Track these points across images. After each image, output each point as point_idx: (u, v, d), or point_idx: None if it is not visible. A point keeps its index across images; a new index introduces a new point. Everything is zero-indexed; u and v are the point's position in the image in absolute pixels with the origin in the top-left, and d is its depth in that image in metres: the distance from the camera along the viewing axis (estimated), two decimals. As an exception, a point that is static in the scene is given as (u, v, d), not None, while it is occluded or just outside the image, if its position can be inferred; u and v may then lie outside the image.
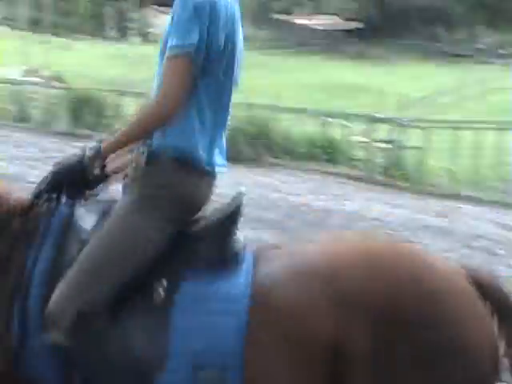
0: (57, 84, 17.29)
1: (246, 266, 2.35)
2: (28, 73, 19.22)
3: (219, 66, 2.35)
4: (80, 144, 2.71)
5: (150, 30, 33.17)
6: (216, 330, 2.22)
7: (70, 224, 2.36)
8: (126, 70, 21.20)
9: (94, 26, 34.31)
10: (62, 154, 2.64)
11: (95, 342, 2.16)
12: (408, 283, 2.24)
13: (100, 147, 2.34)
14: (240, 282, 2.29)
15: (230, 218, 2.41)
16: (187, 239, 2.34)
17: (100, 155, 2.31)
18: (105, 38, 32.02)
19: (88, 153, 2.32)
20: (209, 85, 2.33)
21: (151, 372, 2.20)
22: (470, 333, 2.20)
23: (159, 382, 2.22)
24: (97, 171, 2.29)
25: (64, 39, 29.75)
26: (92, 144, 2.36)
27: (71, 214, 2.39)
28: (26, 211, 2.40)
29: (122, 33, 33.42)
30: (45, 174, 2.37)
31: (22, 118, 14.72)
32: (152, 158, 2.32)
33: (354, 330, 2.15)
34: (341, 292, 2.22)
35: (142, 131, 2.31)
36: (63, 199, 2.36)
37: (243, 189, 2.49)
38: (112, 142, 2.34)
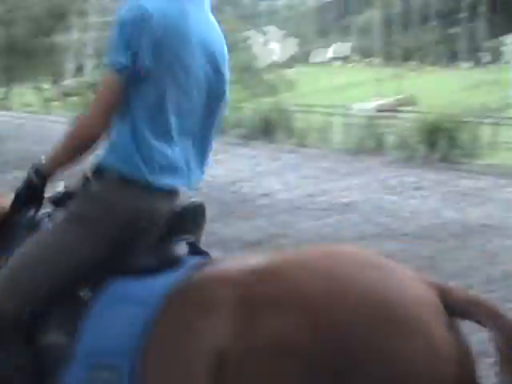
0: (410, 113, 17.71)
1: (180, 271, 2.27)
2: (382, 105, 20.00)
3: (160, 78, 2.23)
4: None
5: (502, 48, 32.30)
6: (116, 331, 2.19)
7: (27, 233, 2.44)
8: (479, 95, 20.86)
9: (444, 51, 34.46)
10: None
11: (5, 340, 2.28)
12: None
13: (40, 167, 2.36)
14: (160, 283, 2.22)
15: (170, 225, 2.35)
16: (123, 247, 2.30)
17: (41, 174, 2.35)
18: (456, 62, 31.89)
19: (31, 174, 2.36)
20: (148, 97, 2.24)
21: (55, 370, 2.25)
22: (395, 345, 1.92)
23: (62, 380, 2.25)
24: (42, 190, 2.37)
25: (414, 67, 30.29)
26: (34, 165, 2.39)
27: (30, 225, 2.47)
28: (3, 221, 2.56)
29: (474, 57, 33.01)
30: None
31: (376, 148, 15.31)
32: (96, 173, 2.29)
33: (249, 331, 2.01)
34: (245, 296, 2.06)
35: (73, 145, 2.30)
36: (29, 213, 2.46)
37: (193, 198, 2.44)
38: (51, 158, 2.37)
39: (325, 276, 2.03)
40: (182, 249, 2.34)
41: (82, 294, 2.29)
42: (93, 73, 44.92)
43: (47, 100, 38.18)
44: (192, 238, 2.41)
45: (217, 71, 2.37)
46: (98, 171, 2.27)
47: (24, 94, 42.49)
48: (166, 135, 2.26)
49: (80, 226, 2.25)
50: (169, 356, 2.12)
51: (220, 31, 2.41)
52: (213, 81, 2.36)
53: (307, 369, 1.93)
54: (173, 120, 2.26)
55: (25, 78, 52.92)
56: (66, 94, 36.86)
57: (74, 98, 36.63)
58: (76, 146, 2.29)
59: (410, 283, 2.04)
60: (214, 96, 2.38)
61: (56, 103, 36.79)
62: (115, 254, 2.28)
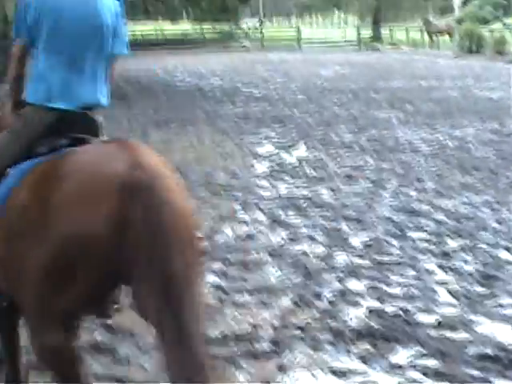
0: None
1: (49, 156, 3.08)
2: None
3: (40, 34, 3.24)
4: None
5: None
6: (1, 191, 3.05)
7: None
8: None
9: None
10: None
11: None
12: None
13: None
14: (31, 163, 3.06)
15: (59, 128, 3.24)
16: (30, 143, 3.23)
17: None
18: None
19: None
20: (37, 52, 3.29)
21: None
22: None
23: None
24: None
25: None
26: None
27: None
28: None
29: None
30: None
31: None
32: (22, 103, 3.34)
33: None
34: None
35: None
36: None
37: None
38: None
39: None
40: (63, 142, 3.20)
41: (8, 170, 3.14)
42: (461, 10, 45.09)
43: (416, 40, 39.44)
44: (88, 137, 3.23)
45: (90, 26, 3.28)
46: (23, 102, 3.35)
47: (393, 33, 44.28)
48: (64, 65, 3.26)
49: (10, 132, 3.32)
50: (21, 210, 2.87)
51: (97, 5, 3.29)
52: (86, 31, 3.27)
53: None
54: (49, 61, 3.27)
55: (393, 18, 54.85)
56: (433, 33, 37.67)
57: (445, 37, 37.47)
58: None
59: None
60: (90, 41, 3.31)
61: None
62: (25, 147, 3.25)
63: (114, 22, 3.37)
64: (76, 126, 3.26)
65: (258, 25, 64.52)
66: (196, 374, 2.48)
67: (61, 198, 2.70)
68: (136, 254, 2.56)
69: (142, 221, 2.56)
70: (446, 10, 50.14)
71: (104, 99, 3.39)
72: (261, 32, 51.01)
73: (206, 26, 56.57)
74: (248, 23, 64.73)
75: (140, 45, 43.19)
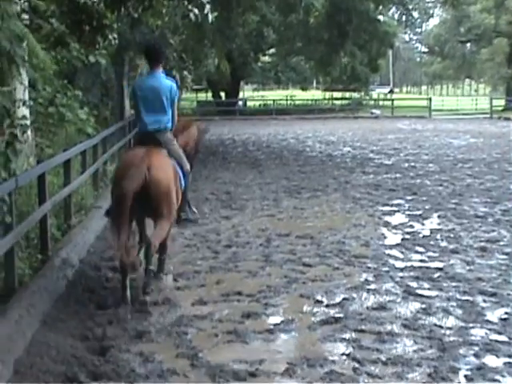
0: None
1: None
2: None
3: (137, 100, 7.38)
4: None
5: None
6: None
7: None
8: None
9: None
10: None
11: None
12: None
13: None
14: None
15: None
16: None
17: None
18: None
19: None
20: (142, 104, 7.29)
21: None
22: None
23: None
24: None
25: None
26: None
27: None
28: None
29: None
30: None
31: None
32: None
33: None
34: None
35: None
36: None
37: None
38: None
39: None
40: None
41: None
42: None
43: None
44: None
45: (159, 94, 7.22)
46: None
47: None
48: (152, 112, 7.25)
49: None
50: None
51: (164, 84, 7.26)
52: (149, 95, 7.20)
53: None
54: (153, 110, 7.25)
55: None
56: None
57: None
58: None
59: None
60: (163, 99, 7.25)
61: None
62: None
63: (167, 91, 7.24)
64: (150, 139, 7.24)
65: (388, 93, 64.84)
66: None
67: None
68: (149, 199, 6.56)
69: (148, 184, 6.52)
70: None
71: (169, 125, 7.32)
72: (391, 100, 51.20)
73: (336, 94, 57.45)
74: (378, 92, 65.16)
75: (271, 111, 44.45)
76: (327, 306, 6.55)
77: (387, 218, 10.73)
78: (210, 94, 53.95)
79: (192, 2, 9.56)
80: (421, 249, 8.72)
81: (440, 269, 7.75)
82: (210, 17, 9.99)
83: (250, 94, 66.30)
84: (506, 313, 6.24)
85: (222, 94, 48.62)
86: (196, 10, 9.66)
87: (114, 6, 9.93)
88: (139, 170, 6.48)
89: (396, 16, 50.44)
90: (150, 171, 6.49)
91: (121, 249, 6.27)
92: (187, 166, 7.52)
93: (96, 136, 13.36)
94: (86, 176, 11.29)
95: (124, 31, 16.96)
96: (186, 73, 36.12)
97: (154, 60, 7.29)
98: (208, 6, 9.75)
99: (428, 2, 51.10)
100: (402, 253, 8.55)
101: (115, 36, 11.35)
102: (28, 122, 10.33)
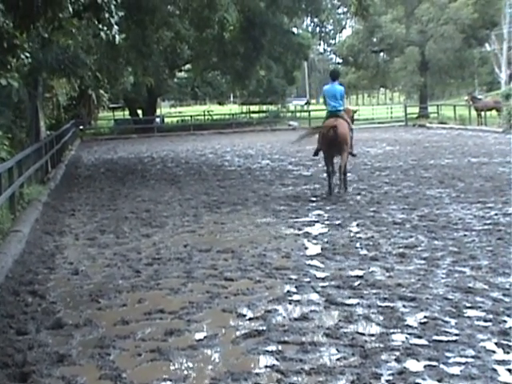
0: None
1: None
2: None
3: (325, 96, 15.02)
4: None
5: None
6: None
7: None
8: None
9: None
10: None
11: None
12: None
13: None
14: None
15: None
16: None
17: None
18: None
19: None
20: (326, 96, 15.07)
21: None
22: None
23: None
24: None
25: None
26: None
27: None
28: None
29: None
30: None
31: None
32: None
33: None
34: None
35: None
36: None
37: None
38: None
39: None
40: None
41: None
42: (507, 85, 45.17)
43: (463, 115, 39.54)
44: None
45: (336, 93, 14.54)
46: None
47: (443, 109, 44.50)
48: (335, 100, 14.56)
49: None
50: None
51: (338, 88, 14.57)
52: (332, 93, 14.50)
53: None
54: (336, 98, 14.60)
55: (439, 95, 55.04)
56: (481, 109, 37.70)
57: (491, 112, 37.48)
58: None
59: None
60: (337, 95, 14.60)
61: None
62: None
63: (340, 93, 14.54)
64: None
65: (304, 105, 65.61)
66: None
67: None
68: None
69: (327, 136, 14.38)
70: (493, 85, 50.34)
71: (341, 107, 14.58)
72: (308, 112, 51.90)
73: (253, 108, 57.83)
74: (295, 103, 65.85)
75: (189, 127, 44.33)
76: (250, 319, 6.52)
77: (307, 229, 10.82)
78: (127, 112, 53.41)
79: (102, 22, 9.38)
80: (341, 258, 8.82)
81: (360, 276, 7.85)
82: (118, 38, 9.83)
83: (168, 111, 65.96)
84: (425, 317, 6.36)
85: (140, 112, 48.24)
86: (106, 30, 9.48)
87: (23, 26, 9.65)
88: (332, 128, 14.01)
89: (310, 28, 51.33)
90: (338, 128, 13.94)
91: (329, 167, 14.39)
92: (352, 126, 14.82)
93: (11, 159, 13.06)
94: (2, 200, 10.98)
95: (36, 52, 16.58)
96: (102, 91, 35.72)
97: None
98: (116, 27, 9.59)
99: (340, 14, 52.12)
100: (323, 262, 8.62)
101: (27, 55, 11.02)
102: None
